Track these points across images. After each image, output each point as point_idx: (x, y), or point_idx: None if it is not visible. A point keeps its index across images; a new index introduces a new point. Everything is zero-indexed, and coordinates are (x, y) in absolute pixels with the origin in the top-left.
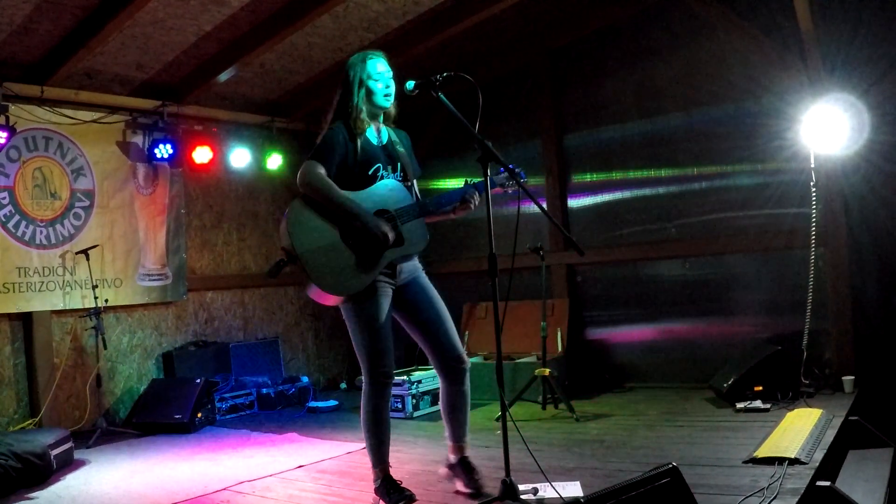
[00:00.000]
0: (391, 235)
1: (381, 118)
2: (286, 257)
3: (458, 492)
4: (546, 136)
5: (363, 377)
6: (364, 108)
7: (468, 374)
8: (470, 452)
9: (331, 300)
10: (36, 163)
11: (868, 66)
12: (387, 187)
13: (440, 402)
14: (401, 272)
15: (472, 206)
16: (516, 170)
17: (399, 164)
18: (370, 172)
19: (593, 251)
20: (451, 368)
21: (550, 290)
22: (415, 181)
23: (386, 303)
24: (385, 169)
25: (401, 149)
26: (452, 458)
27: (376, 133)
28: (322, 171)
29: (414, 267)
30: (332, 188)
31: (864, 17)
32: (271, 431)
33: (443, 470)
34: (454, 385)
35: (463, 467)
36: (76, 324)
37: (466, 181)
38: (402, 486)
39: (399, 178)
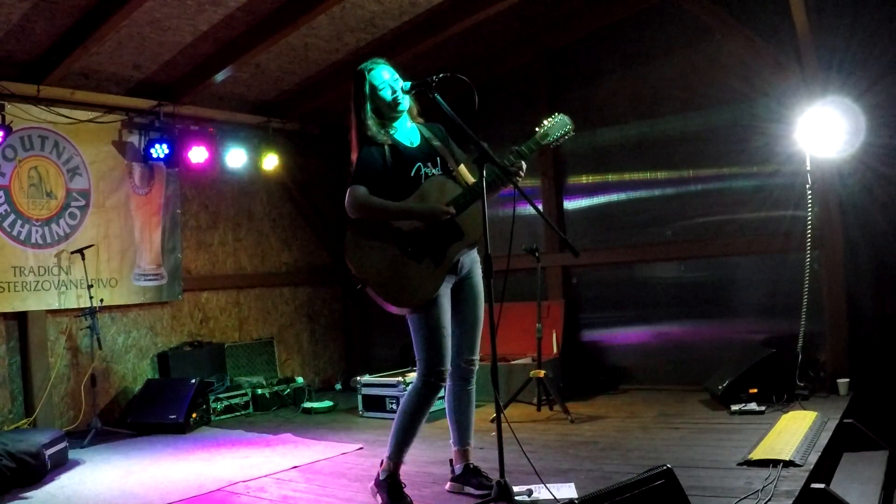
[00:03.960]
0: (451, 209)
1: (406, 117)
2: (359, 285)
3: (451, 492)
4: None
5: (418, 374)
6: (377, 121)
7: (475, 374)
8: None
9: (403, 310)
10: (32, 162)
11: (864, 69)
12: (432, 186)
13: (446, 401)
14: (462, 267)
15: (521, 173)
16: (558, 116)
17: (438, 158)
18: (412, 174)
19: (589, 253)
20: (462, 368)
21: (546, 291)
22: (462, 165)
23: (447, 303)
24: (426, 166)
25: (436, 143)
26: (458, 467)
27: (407, 135)
28: (365, 191)
29: (473, 259)
30: (379, 201)
31: (860, 19)
32: (266, 432)
33: (448, 485)
34: (462, 383)
35: (471, 473)
36: (71, 323)
37: (512, 148)
38: (404, 491)
39: (442, 173)
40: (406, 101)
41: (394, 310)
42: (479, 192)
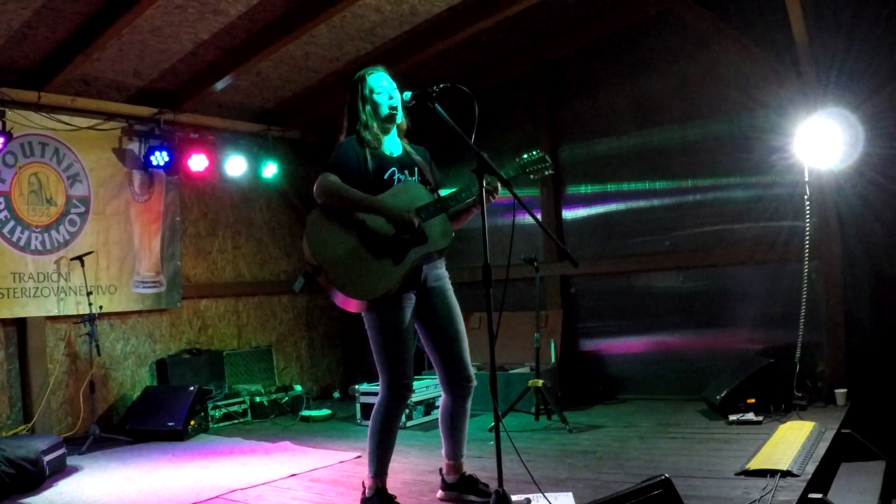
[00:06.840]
0: (416, 221)
1: (395, 131)
2: (310, 269)
3: (446, 500)
4: (541, 147)
5: (381, 386)
6: (373, 124)
7: (472, 393)
8: (466, 467)
9: (353, 306)
10: (32, 168)
11: (862, 80)
12: (405, 187)
13: (440, 416)
14: (425, 279)
15: (493, 195)
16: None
17: (416, 168)
18: (385, 177)
19: (587, 263)
20: (459, 386)
21: (544, 301)
22: (438, 192)
23: (409, 312)
24: (402, 173)
25: (417, 158)
26: (450, 478)
27: (389, 146)
28: (337, 178)
29: (439, 275)
30: (349, 189)
31: (858, 30)
32: (264, 440)
33: (440, 493)
34: (458, 401)
35: (468, 484)
36: (70, 330)
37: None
38: (396, 501)
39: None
40: (400, 112)
41: (342, 299)
42: (450, 203)
